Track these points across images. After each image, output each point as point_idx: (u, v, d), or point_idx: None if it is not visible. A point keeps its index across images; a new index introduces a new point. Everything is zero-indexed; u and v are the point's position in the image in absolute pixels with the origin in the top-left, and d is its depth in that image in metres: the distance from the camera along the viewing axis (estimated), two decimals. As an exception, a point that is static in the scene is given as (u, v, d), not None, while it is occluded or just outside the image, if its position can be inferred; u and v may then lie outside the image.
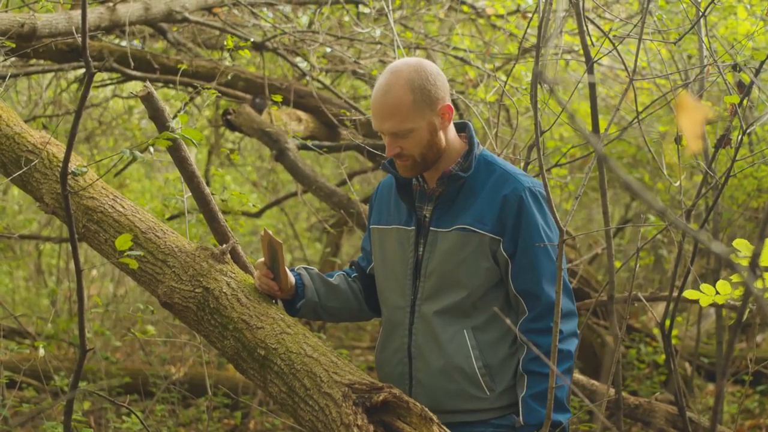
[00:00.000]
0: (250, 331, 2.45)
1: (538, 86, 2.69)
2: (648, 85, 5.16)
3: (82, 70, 5.11)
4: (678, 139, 3.15)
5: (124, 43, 4.97)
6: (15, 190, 7.11)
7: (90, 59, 2.31)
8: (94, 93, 6.43)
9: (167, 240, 2.68)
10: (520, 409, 2.40)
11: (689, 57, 4.84)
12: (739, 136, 2.83)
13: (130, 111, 7.11)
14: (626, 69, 2.81)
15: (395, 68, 2.40)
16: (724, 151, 3.18)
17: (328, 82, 5.56)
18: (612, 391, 2.87)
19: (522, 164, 3.53)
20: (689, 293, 2.57)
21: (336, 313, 2.70)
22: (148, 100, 2.64)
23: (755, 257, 1.38)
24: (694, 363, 4.98)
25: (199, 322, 2.55)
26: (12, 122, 3.01)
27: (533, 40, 4.34)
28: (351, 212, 4.35)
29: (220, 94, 4.74)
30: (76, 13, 3.82)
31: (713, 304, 2.55)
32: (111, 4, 4.06)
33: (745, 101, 2.94)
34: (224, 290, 2.54)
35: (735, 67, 3.15)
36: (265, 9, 5.10)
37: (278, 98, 4.06)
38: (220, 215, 2.84)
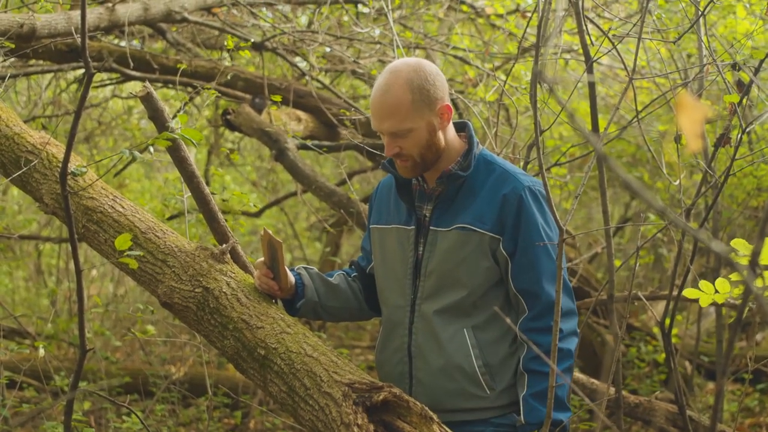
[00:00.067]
0: (250, 330, 2.45)
1: (538, 85, 2.69)
2: (647, 84, 5.16)
3: (82, 71, 5.11)
4: (677, 138, 3.15)
5: (123, 44, 4.96)
6: (15, 191, 7.10)
7: (89, 59, 2.31)
8: (94, 93, 6.42)
9: (167, 240, 2.68)
10: (521, 408, 2.40)
11: (689, 56, 4.84)
12: (739, 135, 2.83)
13: (129, 111, 7.11)
14: (626, 68, 2.81)
15: (394, 68, 2.40)
16: (724, 149, 3.18)
17: (327, 81, 5.56)
18: (612, 389, 2.87)
19: (522, 163, 3.53)
20: (689, 292, 2.57)
21: (336, 313, 2.71)
22: (147, 100, 2.64)
23: (755, 256, 1.38)
24: (694, 361, 4.99)
25: (199, 321, 2.55)
26: (11, 122, 3.01)
27: (533, 39, 4.33)
28: (351, 212, 4.34)
29: (219, 94, 4.74)
30: (76, 14, 3.82)
31: (713, 303, 2.55)
32: (110, 5, 4.06)
33: (744, 100, 2.94)
34: (224, 290, 2.54)
35: (734, 66, 3.16)
36: (264, 9, 5.09)
37: (278, 98, 4.06)
38: (220, 215, 2.84)
